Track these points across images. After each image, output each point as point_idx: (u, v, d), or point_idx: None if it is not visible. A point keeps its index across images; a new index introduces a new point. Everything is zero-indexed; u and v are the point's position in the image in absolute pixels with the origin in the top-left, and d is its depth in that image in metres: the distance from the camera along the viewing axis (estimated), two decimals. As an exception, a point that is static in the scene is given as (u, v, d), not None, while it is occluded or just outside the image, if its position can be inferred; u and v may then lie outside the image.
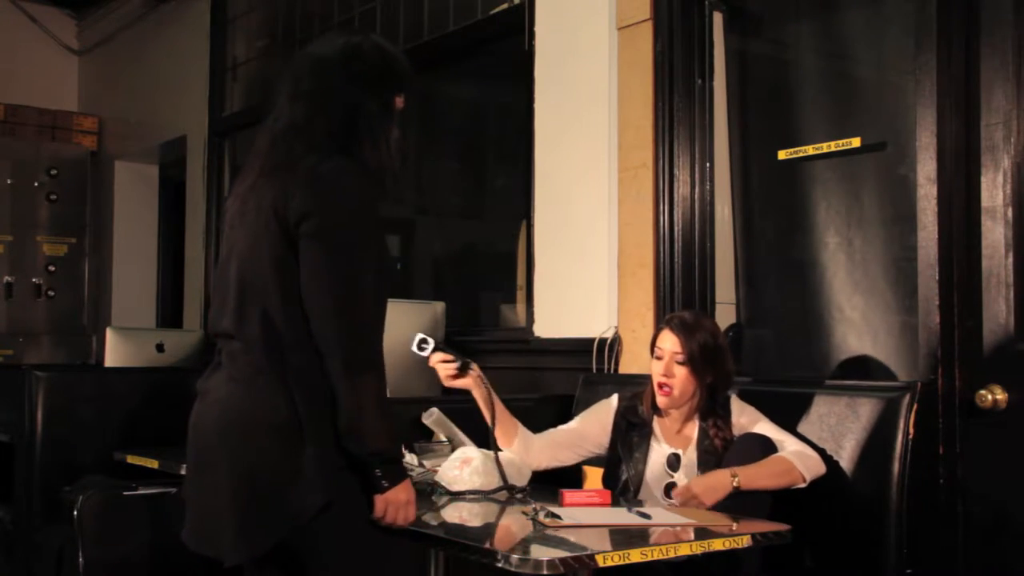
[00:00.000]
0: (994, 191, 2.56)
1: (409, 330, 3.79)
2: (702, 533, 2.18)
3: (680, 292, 3.28)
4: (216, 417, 2.05)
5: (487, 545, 2.04)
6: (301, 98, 2.13)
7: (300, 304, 2.00)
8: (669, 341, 2.65)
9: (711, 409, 2.67)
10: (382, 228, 2.20)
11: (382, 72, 2.16)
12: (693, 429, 2.68)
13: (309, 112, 2.10)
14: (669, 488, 2.64)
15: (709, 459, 2.61)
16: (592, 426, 2.81)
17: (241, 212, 2.11)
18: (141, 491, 3.15)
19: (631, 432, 2.75)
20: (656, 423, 2.73)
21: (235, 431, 2.00)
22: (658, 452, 2.71)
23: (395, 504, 2.03)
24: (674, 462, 2.67)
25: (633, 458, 2.72)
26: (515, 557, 1.94)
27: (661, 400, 2.66)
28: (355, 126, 2.10)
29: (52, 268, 6.51)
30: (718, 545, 2.12)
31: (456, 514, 2.46)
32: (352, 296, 2.00)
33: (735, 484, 2.41)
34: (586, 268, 3.54)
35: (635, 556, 2.02)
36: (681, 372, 2.63)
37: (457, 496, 2.56)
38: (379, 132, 2.13)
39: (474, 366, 2.65)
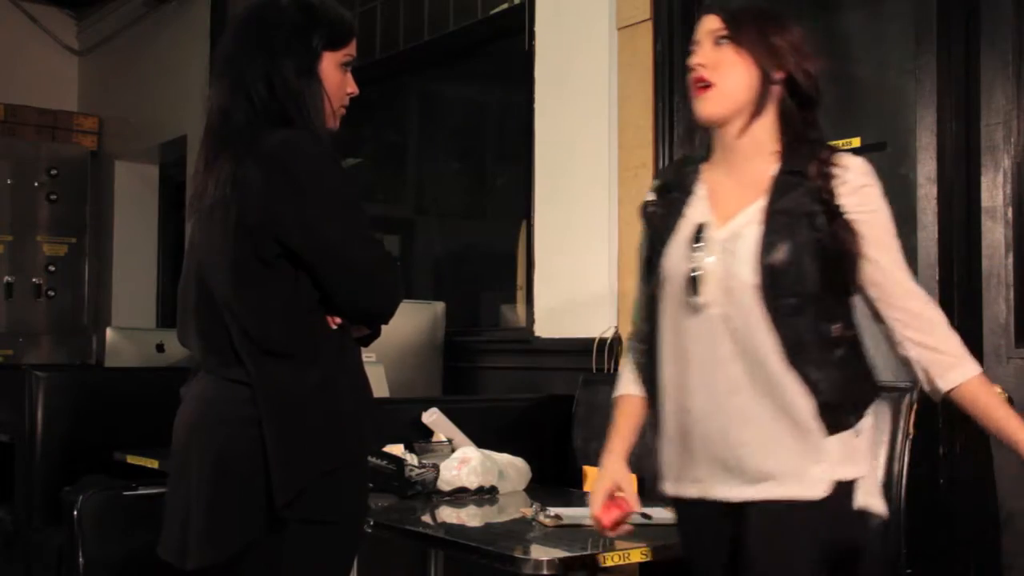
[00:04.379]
0: (994, 191, 2.56)
1: (409, 330, 3.81)
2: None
3: (680, 292, 3.27)
4: (189, 416, 1.99)
5: (487, 545, 2.04)
6: (222, 72, 1.99)
7: (262, 303, 1.92)
8: (706, 23, 1.91)
9: (796, 136, 1.82)
10: (352, 187, 2.07)
11: (298, 27, 1.99)
12: (764, 182, 1.81)
13: (229, 88, 1.96)
14: (693, 282, 1.80)
15: (789, 225, 1.75)
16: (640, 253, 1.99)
17: (199, 198, 2.01)
18: (141, 491, 3.15)
19: (667, 198, 1.92)
20: (705, 174, 1.90)
21: (205, 425, 1.95)
22: (692, 219, 1.86)
23: None
24: (702, 233, 1.82)
25: (662, 239, 1.88)
26: (515, 557, 1.94)
27: (701, 105, 1.84)
28: (274, 94, 1.95)
29: (52, 268, 6.50)
30: (718, 545, 2.12)
31: (456, 514, 2.46)
32: (365, 258, 1.96)
33: None
34: (586, 268, 3.54)
35: (635, 556, 2.02)
36: (725, 54, 1.83)
37: (444, 496, 2.56)
38: (301, 97, 1.96)
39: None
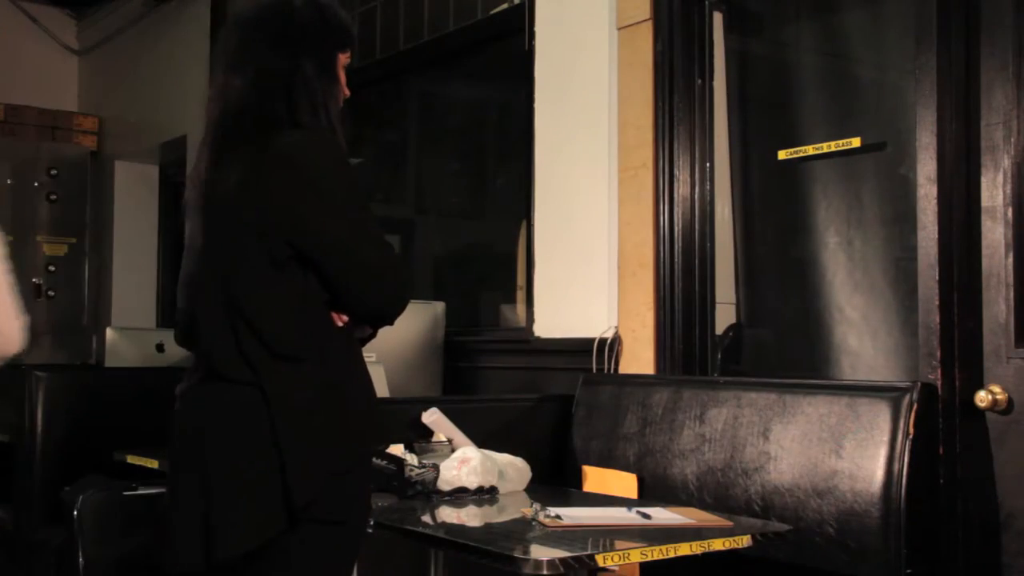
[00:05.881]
0: (994, 191, 2.56)
1: (409, 330, 3.81)
2: (702, 533, 2.18)
3: (680, 292, 3.28)
4: (198, 419, 1.98)
5: (487, 545, 2.04)
6: (230, 71, 1.98)
7: (273, 305, 1.92)
8: None
9: None
10: (362, 189, 2.09)
11: (316, 27, 2.00)
12: None
13: (244, 86, 1.95)
14: None
15: None
16: None
17: (198, 200, 2.02)
18: (141, 491, 3.15)
19: None
20: None
21: (216, 429, 1.94)
22: None
23: None
24: None
25: None
26: (515, 557, 1.94)
27: None
28: (291, 93, 1.95)
29: (52, 268, 6.51)
30: (718, 545, 2.12)
31: (456, 514, 2.46)
32: (375, 258, 1.98)
33: None
34: (586, 268, 3.54)
35: (635, 556, 2.02)
36: None
37: (444, 496, 2.56)
38: (318, 96, 1.97)
39: None
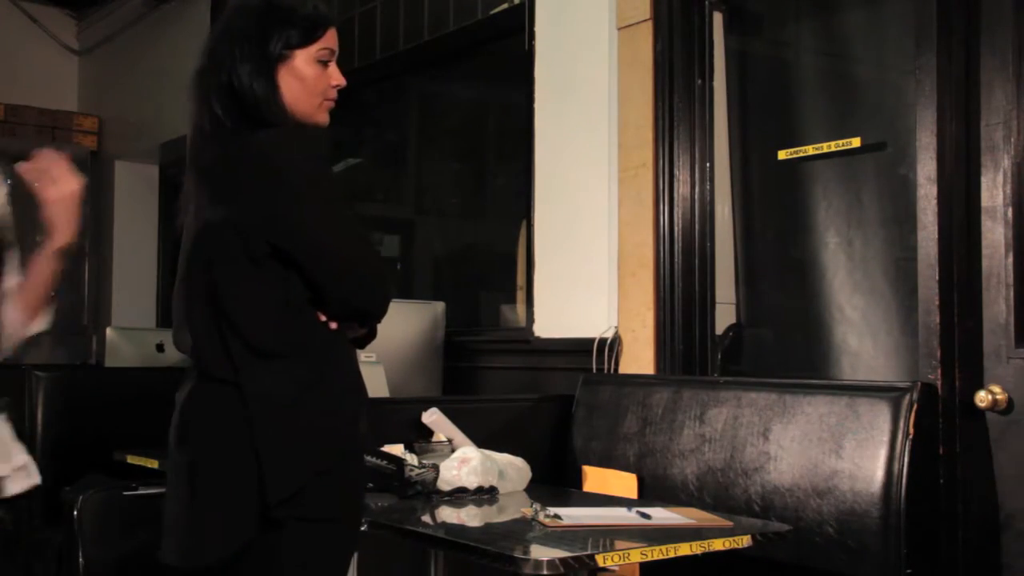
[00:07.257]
0: (994, 191, 2.56)
1: (409, 330, 3.81)
2: (702, 533, 2.18)
3: (680, 292, 3.28)
4: (183, 417, 2.00)
5: (487, 545, 2.04)
6: (199, 82, 2.02)
7: (252, 303, 1.93)
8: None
9: None
10: (336, 184, 2.11)
11: (265, 20, 2.00)
12: None
13: (197, 100, 2.00)
14: None
15: None
16: None
17: (186, 212, 2.06)
18: (141, 491, 3.15)
19: None
20: None
21: (198, 426, 1.96)
22: None
23: None
24: None
25: None
26: (515, 557, 1.94)
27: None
28: (236, 97, 1.97)
29: (52, 268, 6.50)
30: (718, 545, 2.12)
31: (456, 514, 2.46)
32: (350, 256, 1.98)
33: None
34: (586, 268, 3.54)
35: (635, 556, 2.02)
36: None
37: (444, 496, 2.56)
38: (257, 98, 1.97)
39: None
